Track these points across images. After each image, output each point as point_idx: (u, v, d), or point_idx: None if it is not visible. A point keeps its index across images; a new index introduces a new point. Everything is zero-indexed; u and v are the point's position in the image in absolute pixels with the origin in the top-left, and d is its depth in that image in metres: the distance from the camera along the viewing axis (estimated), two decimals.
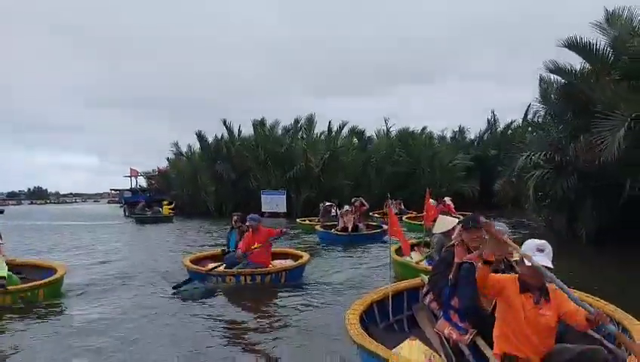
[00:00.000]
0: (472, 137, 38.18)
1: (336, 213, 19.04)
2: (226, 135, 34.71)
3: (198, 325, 6.33)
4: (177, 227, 24.54)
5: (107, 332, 6.02)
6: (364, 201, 17.61)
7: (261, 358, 5.12)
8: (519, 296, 3.35)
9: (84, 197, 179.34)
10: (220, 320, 6.55)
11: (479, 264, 3.35)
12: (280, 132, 34.01)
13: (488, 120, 37.19)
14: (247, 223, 9.07)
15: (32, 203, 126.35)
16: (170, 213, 30.82)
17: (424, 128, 35.43)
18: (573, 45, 13.05)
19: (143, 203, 31.43)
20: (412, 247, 9.82)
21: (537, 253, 3.28)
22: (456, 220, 7.37)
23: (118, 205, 68.95)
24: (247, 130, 34.80)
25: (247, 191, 31.56)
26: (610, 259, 11.03)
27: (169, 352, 5.24)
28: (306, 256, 9.51)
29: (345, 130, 34.46)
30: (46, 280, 7.70)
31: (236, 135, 34.61)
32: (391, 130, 35.65)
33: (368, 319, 4.73)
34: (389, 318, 4.97)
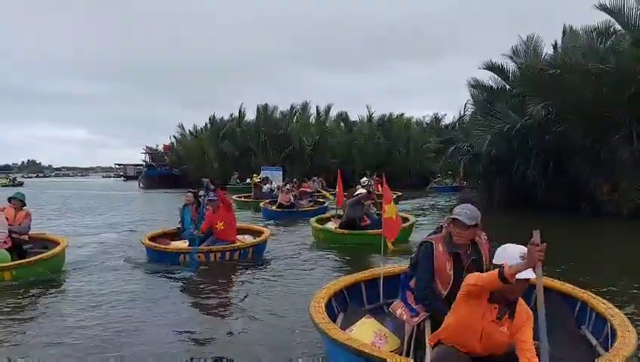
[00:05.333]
0: (447, 123, 43.76)
1: (270, 190, 20.93)
2: (222, 117, 40.84)
3: (174, 304, 6.16)
4: None
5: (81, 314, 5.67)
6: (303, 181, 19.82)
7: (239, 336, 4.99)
8: (484, 304, 2.97)
9: (77, 171, 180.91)
10: (192, 301, 6.43)
11: (496, 277, 2.76)
12: (278, 115, 39.53)
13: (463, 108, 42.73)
14: (208, 199, 8.70)
15: (27, 176, 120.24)
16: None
17: (402, 114, 41.10)
18: (490, 67, 18.50)
19: (237, 175, 35.26)
20: (329, 219, 11.76)
21: (521, 260, 2.79)
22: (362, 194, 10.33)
23: (121, 179, 75.09)
24: (249, 107, 40.69)
25: (248, 166, 36.85)
26: (509, 217, 16.20)
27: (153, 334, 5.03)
28: (266, 230, 9.55)
29: (333, 113, 40.35)
30: (36, 257, 7.38)
31: (235, 115, 40.65)
32: (373, 115, 40.98)
33: (352, 297, 4.58)
34: (379, 300, 4.76)
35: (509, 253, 2.94)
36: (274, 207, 16.15)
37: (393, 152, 37.97)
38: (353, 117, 41.90)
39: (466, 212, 3.56)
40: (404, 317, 3.80)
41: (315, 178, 26.72)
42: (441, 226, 4.02)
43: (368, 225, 9.95)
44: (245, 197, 21.61)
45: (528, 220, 15.88)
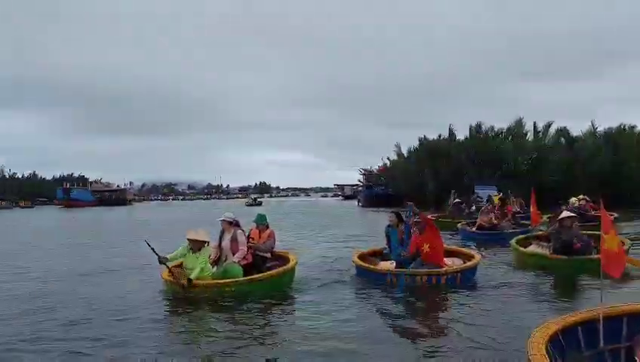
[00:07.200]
0: None
1: (468, 210, 19.83)
2: (433, 138, 42.62)
3: (379, 322, 6.38)
4: None
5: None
6: (506, 200, 17.58)
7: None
8: None
9: (299, 191, 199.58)
10: (398, 325, 6.35)
11: None
12: (492, 134, 39.84)
13: None
14: (414, 221, 8.91)
15: (261, 197, 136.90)
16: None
17: (634, 126, 37.48)
18: None
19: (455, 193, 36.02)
20: (528, 241, 10.91)
21: None
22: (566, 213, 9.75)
23: (339, 198, 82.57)
24: (460, 125, 41.81)
25: (461, 185, 37.34)
26: None
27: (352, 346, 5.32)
28: (477, 255, 9.06)
29: (552, 129, 38.91)
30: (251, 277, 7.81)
31: (444, 135, 42.40)
32: (599, 128, 38.29)
33: (568, 343, 4.07)
34: (599, 345, 4.19)
35: None
36: (473, 228, 15.30)
37: (623, 169, 34.89)
38: (575, 131, 39.50)
39: None
40: None
41: (513, 198, 23.99)
42: None
43: (582, 248, 9.12)
44: (442, 216, 20.44)
45: None
